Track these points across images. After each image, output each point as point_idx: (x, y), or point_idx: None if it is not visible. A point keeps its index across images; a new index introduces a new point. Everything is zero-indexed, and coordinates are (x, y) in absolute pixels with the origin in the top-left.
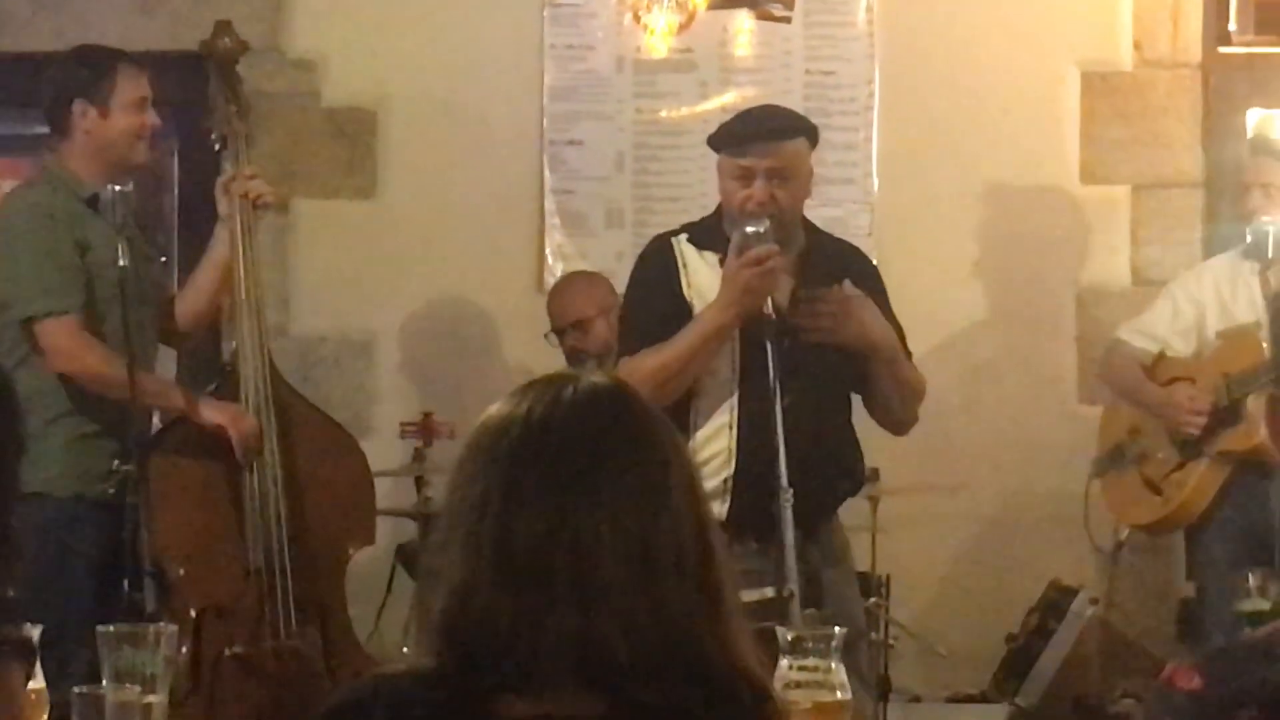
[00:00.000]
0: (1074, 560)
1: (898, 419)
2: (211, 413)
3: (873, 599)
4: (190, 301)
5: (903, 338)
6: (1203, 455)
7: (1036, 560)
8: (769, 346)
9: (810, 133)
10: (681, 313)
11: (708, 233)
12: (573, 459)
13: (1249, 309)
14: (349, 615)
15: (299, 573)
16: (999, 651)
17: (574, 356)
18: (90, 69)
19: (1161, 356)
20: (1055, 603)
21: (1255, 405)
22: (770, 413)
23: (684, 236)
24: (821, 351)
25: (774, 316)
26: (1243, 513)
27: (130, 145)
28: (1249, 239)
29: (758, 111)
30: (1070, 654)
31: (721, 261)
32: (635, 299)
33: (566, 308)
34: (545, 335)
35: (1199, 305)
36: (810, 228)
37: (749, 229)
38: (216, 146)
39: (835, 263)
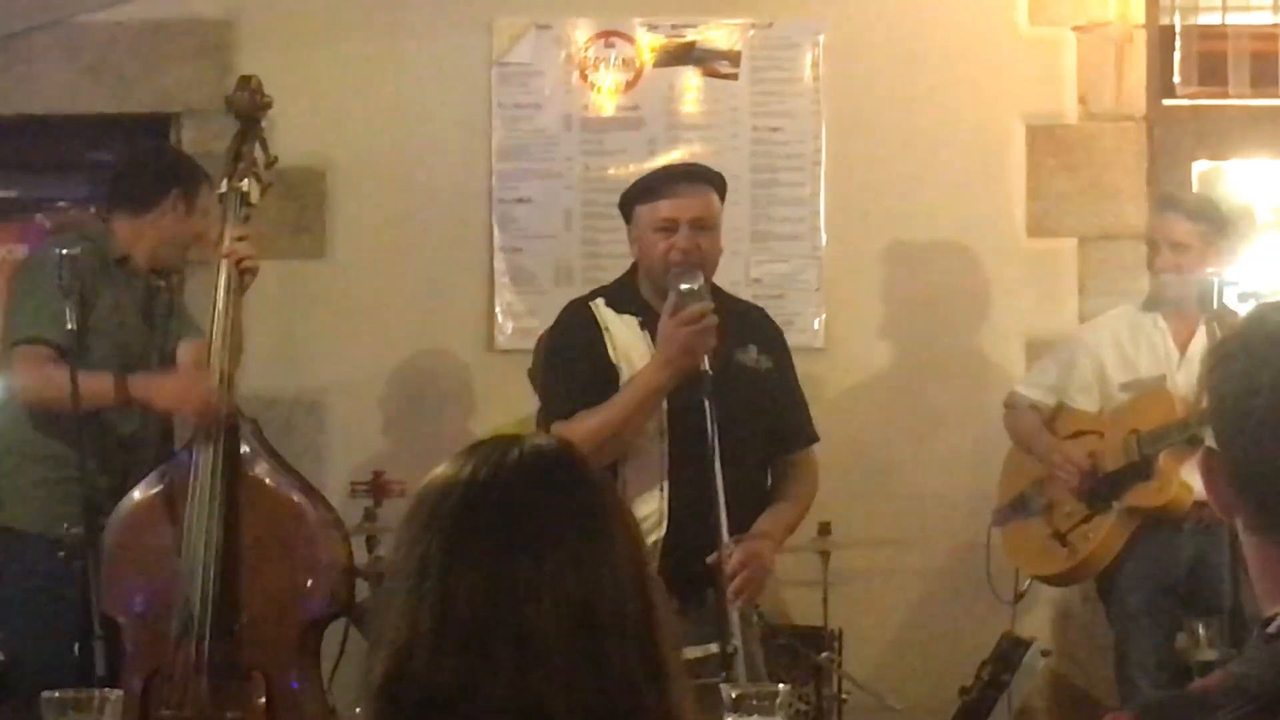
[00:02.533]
0: (1026, 612)
1: None
2: (159, 394)
3: (825, 653)
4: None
5: (805, 407)
6: (1111, 509)
7: (988, 613)
8: (706, 403)
9: (721, 188)
10: (609, 376)
11: (624, 296)
12: (514, 521)
13: (1152, 363)
14: (302, 685)
15: (241, 640)
16: (952, 704)
17: None
18: (191, 171)
19: (1062, 409)
20: (1007, 654)
21: (1167, 463)
22: (705, 470)
23: (600, 301)
24: (744, 414)
25: (710, 373)
26: (1152, 564)
27: (190, 249)
28: (1150, 292)
29: (670, 167)
30: (1023, 705)
31: (641, 325)
32: (560, 364)
33: None
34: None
35: (1097, 359)
36: (716, 289)
37: (684, 286)
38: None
39: (745, 324)
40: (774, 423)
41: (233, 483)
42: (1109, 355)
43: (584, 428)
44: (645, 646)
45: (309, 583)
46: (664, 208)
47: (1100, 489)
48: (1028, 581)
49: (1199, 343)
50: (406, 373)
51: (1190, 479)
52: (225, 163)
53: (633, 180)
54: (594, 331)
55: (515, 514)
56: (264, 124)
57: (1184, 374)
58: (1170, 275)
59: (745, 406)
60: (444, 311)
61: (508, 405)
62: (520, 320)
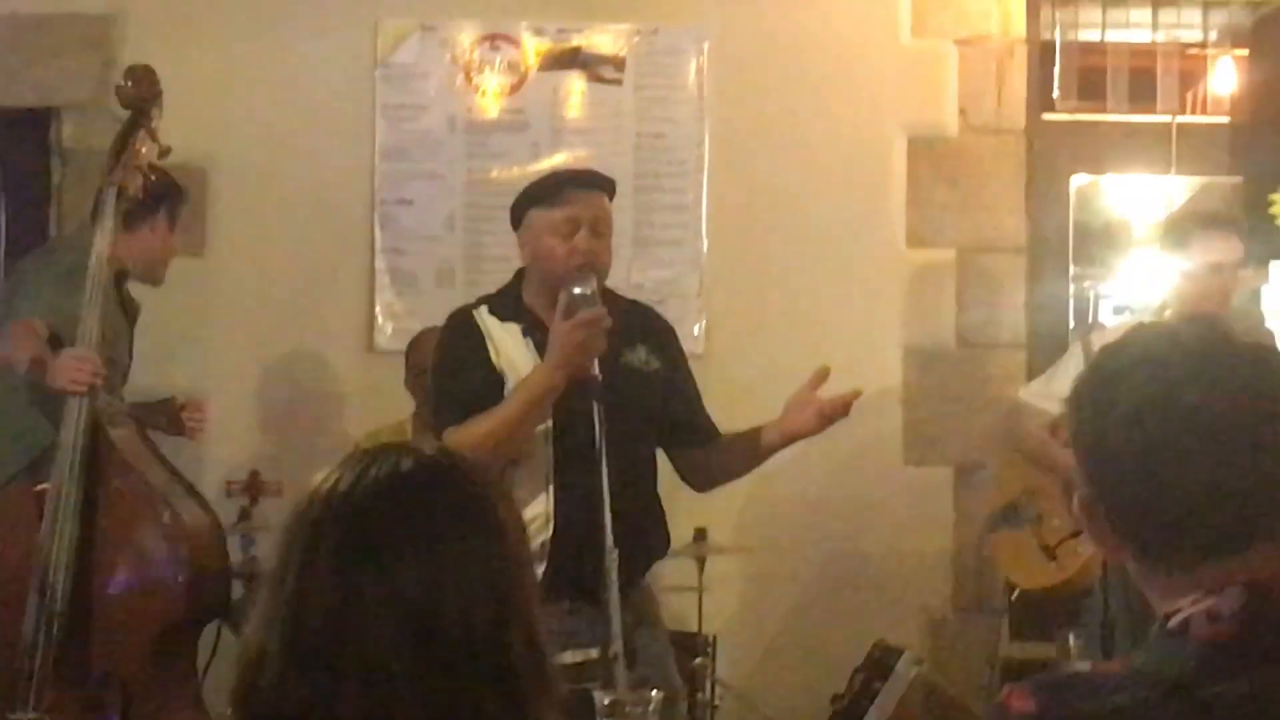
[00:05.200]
0: (899, 621)
1: (717, 483)
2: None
3: (698, 659)
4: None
5: (698, 394)
6: None
7: (862, 620)
8: (595, 407)
9: (613, 193)
10: (494, 382)
11: (508, 304)
12: (363, 536)
13: None
14: (166, 689)
15: (95, 643)
16: (824, 712)
17: None
18: (177, 190)
19: (1059, 419)
20: (880, 662)
21: None
22: (591, 474)
23: (484, 309)
24: (631, 416)
25: (599, 378)
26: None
27: (165, 265)
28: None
29: (566, 171)
30: (895, 714)
31: (524, 332)
32: (448, 371)
33: None
34: (405, 381)
35: None
36: (605, 289)
37: (576, 290)
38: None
39: (633, 323)
40: (669, 421)
41: (95, 479)
42: None
43: (477, 432)
44: (494, 655)
45: (167, 586)
46: (565, 210)
47: None
48: (1015, 592)
49: None
50: (285, 372)
51: None
52: (108, 156)
53: (517, 183)
54: (477, 339)
55: (361, 527)
56: (155, 115)
57: None
58: (1221, 298)
59: (633, 408)
60: (324, 311)
61: (386, 406)
62: (400, 321)
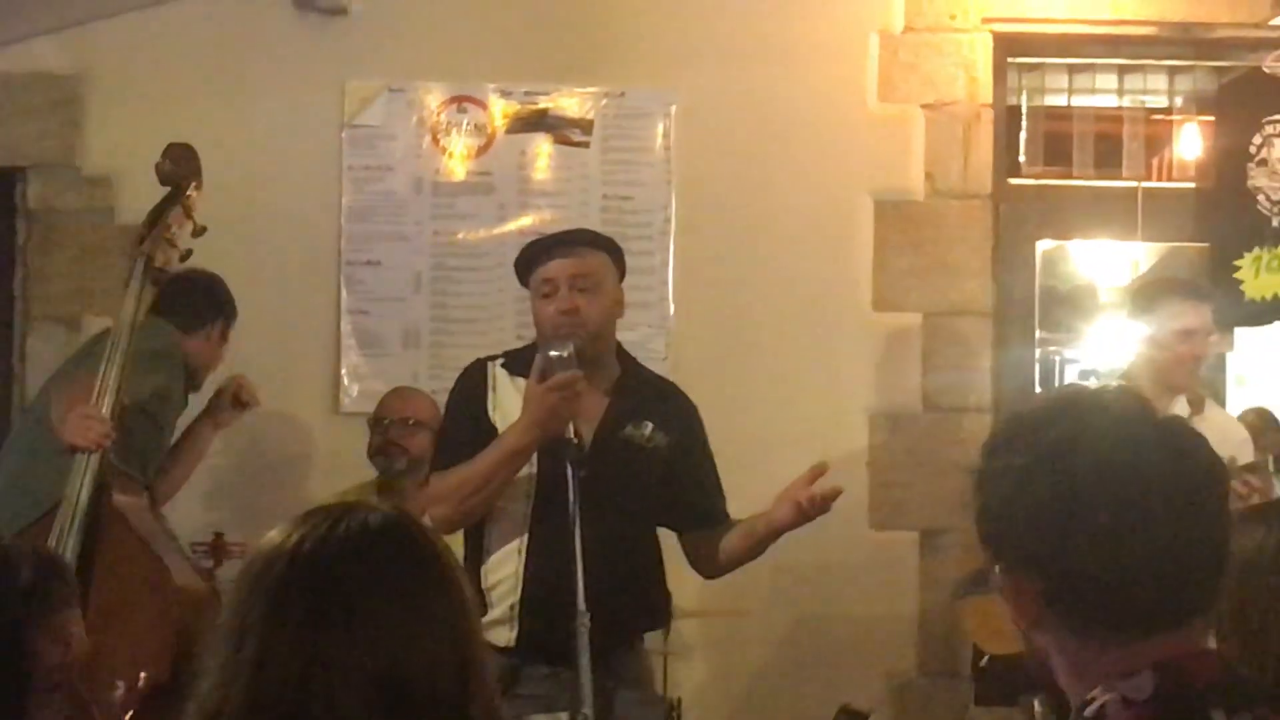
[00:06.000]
0: (865, 685)
1: (721, 571)
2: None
3: None
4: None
5: (713, 480)
6: None
7: (827, 685)
8: (569, 470)
9: (612, 250)
10: (486, 433)
11: (521, 361)
12: (330, 595)
13: None
14: None
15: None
16: None
17: (388, 449)
18: (232, 304)
19: None
20: None
21: None
22: (566, 537)
23: (500, 361)
24: (620, 488)
25: (575, 440)
26: None
27: (209, 373)
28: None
29: (555, 233)
30: None
31: None
32: (448, 419)
33: (409, 403)
34: (370, 422)
35: None
36: (627, 360)
37: (552, 352)
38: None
39: (646, 400)
40: (671, 501)
41: (94, 538)
42: None
43: (451, 482)
44: (455, 714)
45: (154, 650)
46: (542, 272)
47: None
48: (985, 658)
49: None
50: (251, 433)
51: None
52: (141, 226)
53: (483, 245)
54: (481, 389)
55: (331, 587)
56: (192, 193)
57: None
58: (1192, 365)
59: (623, 480)
60: (290, 372)
61: (352, 468)
62: (365, 383)
